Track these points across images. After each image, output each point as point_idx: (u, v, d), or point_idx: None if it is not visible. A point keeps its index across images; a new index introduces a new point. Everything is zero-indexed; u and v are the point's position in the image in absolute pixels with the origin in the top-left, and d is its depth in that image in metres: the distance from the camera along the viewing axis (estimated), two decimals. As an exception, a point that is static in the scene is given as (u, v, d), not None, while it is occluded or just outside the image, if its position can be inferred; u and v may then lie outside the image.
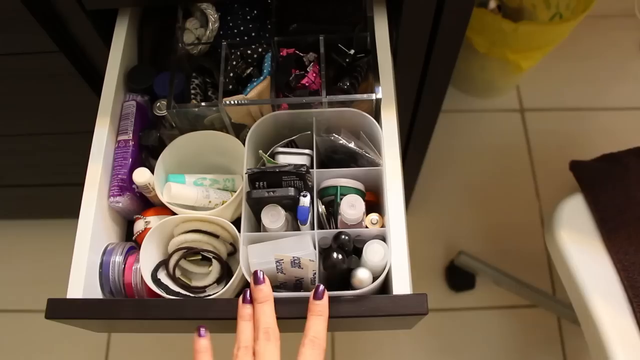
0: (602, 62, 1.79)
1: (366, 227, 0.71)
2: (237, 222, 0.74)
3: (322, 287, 0.63)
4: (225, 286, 0.75)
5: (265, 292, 0.63)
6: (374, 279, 0.67)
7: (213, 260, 0.74)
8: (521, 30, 1.32)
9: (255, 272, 0.64)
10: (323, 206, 0.73)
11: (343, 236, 0.67)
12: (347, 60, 0.73)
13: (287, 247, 0.67)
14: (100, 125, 0.76)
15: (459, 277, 1.51)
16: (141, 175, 0.73)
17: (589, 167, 1.00)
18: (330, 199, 0.74)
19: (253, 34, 0.80)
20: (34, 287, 1.57)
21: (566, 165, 1.67)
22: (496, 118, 1.74)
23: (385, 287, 0.71)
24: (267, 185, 0.69)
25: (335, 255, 0.63)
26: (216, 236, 0.73)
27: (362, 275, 0.66)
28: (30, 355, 1.51)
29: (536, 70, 1.63)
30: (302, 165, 0.68)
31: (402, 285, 0.66)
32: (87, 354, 1.50)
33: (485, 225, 1.61)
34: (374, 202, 0.76)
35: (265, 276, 0.64)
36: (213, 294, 0.72)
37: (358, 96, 0.72)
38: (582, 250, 0.95)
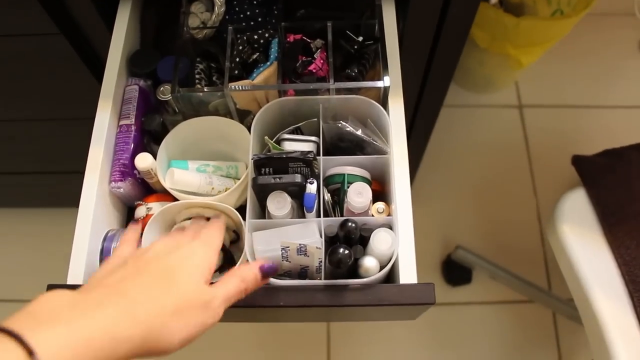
0: (602, 59, 1.79)
1: (372, 215, 0.70)
2: (240, 209, 0.72)
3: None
4: (227, 274, 0.73)
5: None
6: (381, 268, 0.66)
7: (216, 247, 0.72)
8: (523, 25, 1.32)
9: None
10: (329, 194, 0.72)
11: (350, 224, 0.65)
12: (355, 47, 0.72)
13: (293, 234, 0.66)
14: (102, 109, 0.74)
15: (455, 272, 1.51)
16: (143, 161, 0.72)
17: (591, 161, 1.00)
18: (336, 186, 0.73)
19: (259, 19, 0.79)
20: (32, 276, 1.54)
21: (564, 162, 1.67)
22: (494, 114, 1.74)
23: (390, 276, 0.70)
24: (273, 171, 0.68)
25: (342, 250, 0.62)
26: (219, 223, 0.72)
27: (369, 263, 0.65)
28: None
29: (535, 67, 1.62)
30: (309, 152, 0.67)
31: (409, 274, 0.65)
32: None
33: (482, 220, 1.61)
34: (379, 191, 0.75)
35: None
36: (214, 282, 0.70)
37: (366, 83, 0.71)
38: (583, 245, 0.95)
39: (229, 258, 0.74)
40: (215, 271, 0.73)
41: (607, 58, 1.80)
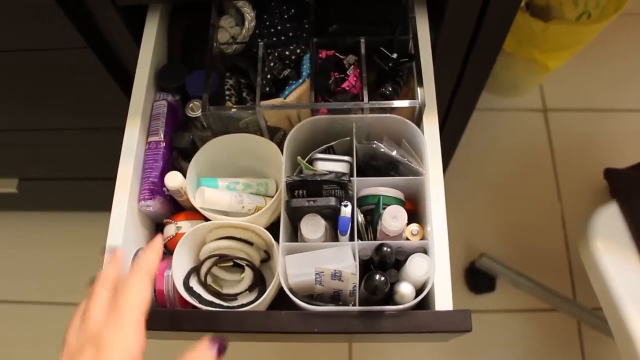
0: (628, 62, 1.76)
1: (406, 238, 0.68)
2: (271, 228, 0.72)
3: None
4: (257, 294, 0.73)
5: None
6: (416, 293, 0.65)
7: (246, 267, 0.71)
8: (551, 30, 1.29)
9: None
10: (362, 215, 0.71)
11: (385, 248, 0.64)
12: (390, 64, 0.70)
13: (326, 258, 0.65)
14: (131, 126, 0.74)
15: (479, 279, 1.50)
16: (173, 180, 0.71)
17: (624, 176, 0.98)
18: (369, 207, 0.71)
19: (290, 34, 0.77)
20: (57, 278, 1.56)
21: (589, 167, 1.65)
22: (518, 117, 1.72)
23: (424, 300, 0.69)
24: (306, 193, 0.67)
25: (378, 277, 0.61)
26: (250, 243, 0.71)
27: (405, 290, 0.64)
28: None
29: (560, 69, 1.59)
30: (343, 174, 0.66)
31: (444, 300, 0.64)
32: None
33: (505, 225, 1.59)
34: (412, 211, 0.74)
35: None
36: (247, 303, 0.70)
37: (401, 102, 0.70)
38: (616, 261, 0.93)
39: (259, 278, 0.73)
40: (245, 290, 0.73)
41: (634, 60, 1.76)
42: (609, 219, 0.95)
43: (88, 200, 1.35)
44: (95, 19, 0.79)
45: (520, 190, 1.63)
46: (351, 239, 0.67)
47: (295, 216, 0.67)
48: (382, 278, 0.62)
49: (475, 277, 1.50)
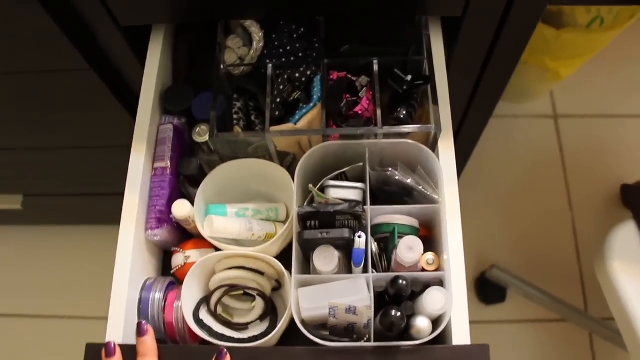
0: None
1: (422, 268, 0.66)
2: (282, 254, 0.70)
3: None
4: (269, 323, 0.71)
5: (147, 346, 0.61)
6: (433, 326, 0.63)
7: (257, 296, 0.70)
8: (564, 37, 1.27)
9: (139, 324, 0.62)
10: (376, 243, 0.68)
11: (401, 281, 0.62)
12: (404, 87, 0.68)
13: (340, 291, 0.63)
14: (136, 152, 0.72)
15: (490, 290, 1.47)
16: (181, 209, 0.69)
17: (642, 192, 0.96)
18: (383, 235, 0.69)
19: (300, 54, 0.75)
20: (61, 291, 1.54)
21: (600, 174, 1.63)
22: (529, 124, 1.69)
23: (441, 334, 0.67)
24: (319, 224, 0.65)
25: (394, 313, 0.59)
26: (261, 273, 0.69)
27: (422, 324, 0.62)
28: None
29: (571, 75, 1.57)
30: (357, 204, 0.64)
31: (462, 334, 0.62)
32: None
33: (516, 233, 1.57)
34: (427, 236, 0.72)
35: (149, 327, 0.62)
36: (259, 335, 0.68)
37: (416, 127, 0.67)
38: (634, 282, 0.91)
39: (270, 307, 0.71)
40: (257, 319, 0.71)
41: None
42: (626, 238, 0.93)
43: (93, 214, 1.33)
44: (98, 40, 0.77)
45: (530, 198, 1.61)
46: (365, 269, 0.65)
47: (307, 247, 0.65)
48: (399, 314, 0.60)
49: (486, 288, 1.48)
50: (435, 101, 0.68)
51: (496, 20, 0.72)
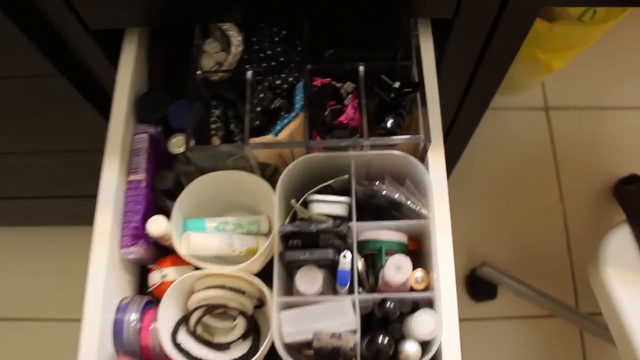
0: (631, 58, 1.69)
1: (411, 287, 0.63)
2: (264, 270, 0.66)
3: None
4: (251, 342, 0.68)
5: None
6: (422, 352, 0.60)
7: (238, 316, 0.66)
8: (556, 30, 1.23)
9: None
10: (362, 259, 0.65)
11: (388, 304, 0.59)
12: (392, 95, 0.64)
13: (324, 313, 0.60)
14: (109, 165, 0.68)
15: (480, 287, 1.45)
16: (156, 227, 0.65)
17: (636, 195, 0.93)
18: (370, 252, 0.66)
19: (282, 59, 0.71)
20: (37, 293, 1.50)
21: (592, 167, 1.60)
22: (519, 116, 1.66)
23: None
24: (302, 243, 0.61)
25: (380, 339, 0.56)
26: (242, 292, 0.66)
27: (410, 349, 0.59)
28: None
29: (562, 67, 1.53)
30: (341, 222, 0.60)
31: (452, 358, 0.59)
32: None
33: (507, 229, 1.54)
34: (416, 250, 0.69)
35: None
36: (240, 357, 0.65)
37: (404, 138, 0.64)
38: (628, 289, 0.88)
39: (252, 326, 0.68)
40: (239, 338, 0.68)
41: (637, 55, 1.70)
42: (620, 243, 0.90)
43: (68, 215, 1.29)
44: (68, 45, 0.72)
45: (521, 192, 1.58)
46: (351, 290, 0.62)
47: (290, 267, 0.62)
48: (386, 340, 0.57)
49: (477, 285, 1.45)
50: (425, 111, 0.64)
51: (489, 22, 0.68)
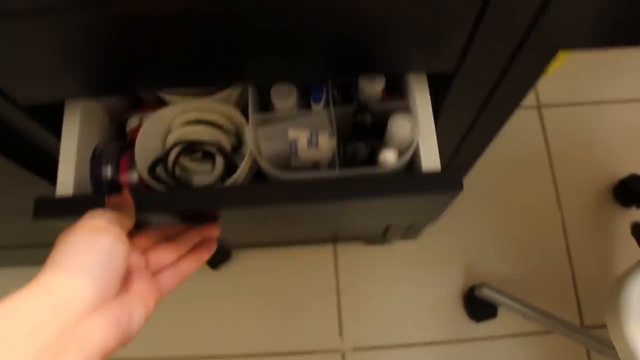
0: (626, 50, 1.74)
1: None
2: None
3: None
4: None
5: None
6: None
7: (216, 155, 0.67)
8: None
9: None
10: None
11: (363, 111, 0.60)
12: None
13: (302, 125, 0.62)
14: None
15: (480, 307, 1.43)
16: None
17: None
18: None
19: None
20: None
21: (589, 167, 1.57)
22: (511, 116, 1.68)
23: (409, 166, 0.64)
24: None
25: (357, 140, 0.58)
26: (219, 126, 0.67)
27: (386, 154, 0.60)
28: None
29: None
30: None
31: (431, 160, 0.60)
32: None
33: (504, 241, 1.55)
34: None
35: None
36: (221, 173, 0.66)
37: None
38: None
39: (231, 165, 0.67)
40: (217, 180, 0.70)
41: (632, 48, 1.74)
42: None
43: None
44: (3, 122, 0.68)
45: (516, 197, 1.62)
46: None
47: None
48: (362, 142, 0.58)
49: (476, 305, 1.44)
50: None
51: (496, 73, 0.64)
